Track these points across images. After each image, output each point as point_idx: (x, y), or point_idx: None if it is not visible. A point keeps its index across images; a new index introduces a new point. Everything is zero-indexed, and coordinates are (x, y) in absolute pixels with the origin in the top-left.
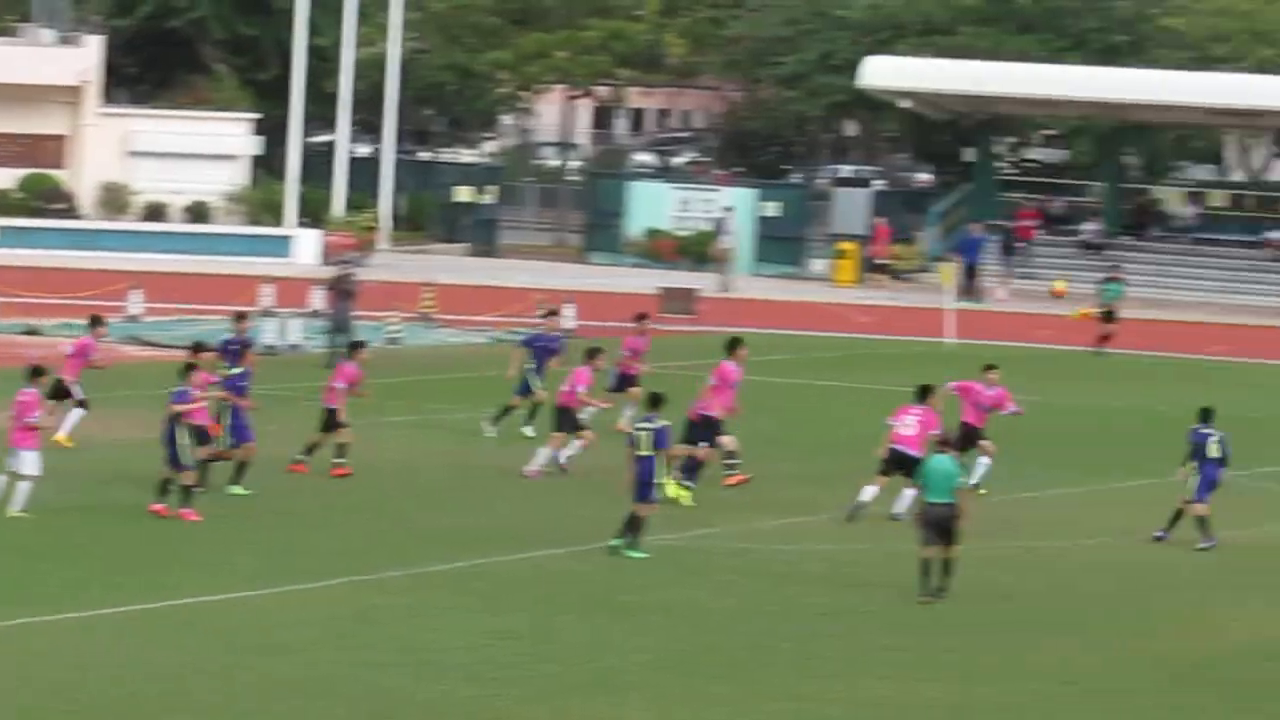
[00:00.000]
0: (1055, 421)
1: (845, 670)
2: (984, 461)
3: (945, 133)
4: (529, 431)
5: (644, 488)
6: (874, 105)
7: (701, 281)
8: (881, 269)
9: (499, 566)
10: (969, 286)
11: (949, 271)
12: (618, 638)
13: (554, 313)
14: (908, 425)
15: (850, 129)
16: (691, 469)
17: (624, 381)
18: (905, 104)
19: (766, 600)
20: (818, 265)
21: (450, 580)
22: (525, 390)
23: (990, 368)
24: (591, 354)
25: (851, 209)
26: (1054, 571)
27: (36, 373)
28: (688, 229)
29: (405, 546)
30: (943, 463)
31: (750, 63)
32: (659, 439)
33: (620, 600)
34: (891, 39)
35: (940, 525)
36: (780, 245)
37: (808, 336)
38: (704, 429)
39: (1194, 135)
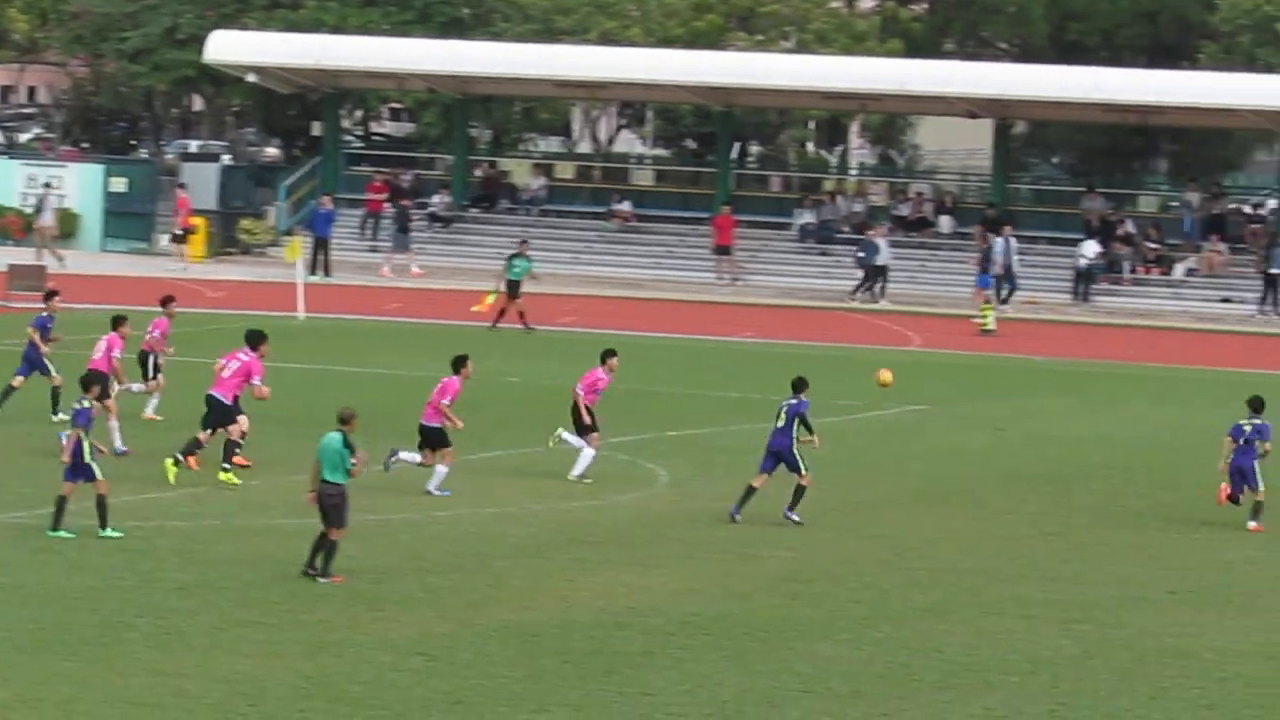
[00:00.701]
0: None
1: (202, 645)
2: None
3: (293, 107)
4: None
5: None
6: (221, 80)
7: (43, 260)
8: (182, 240)
9: None
10: (320, 261)
11: (296, 246)
12: None
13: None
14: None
15: (198, 103)
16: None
17: None
18: (251, 78)
19: (120, 577)
20: (166, 241)
21: None
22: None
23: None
24: None
25: (201, 184)
26: (403, 543)
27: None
28: (34, 205)
29: None
30: (335, 440)
31: (95, 38)
32: None
33: None
34: (238, 13)
35: (324, 506)
36: (129, 221)
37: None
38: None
39: (541, 107)
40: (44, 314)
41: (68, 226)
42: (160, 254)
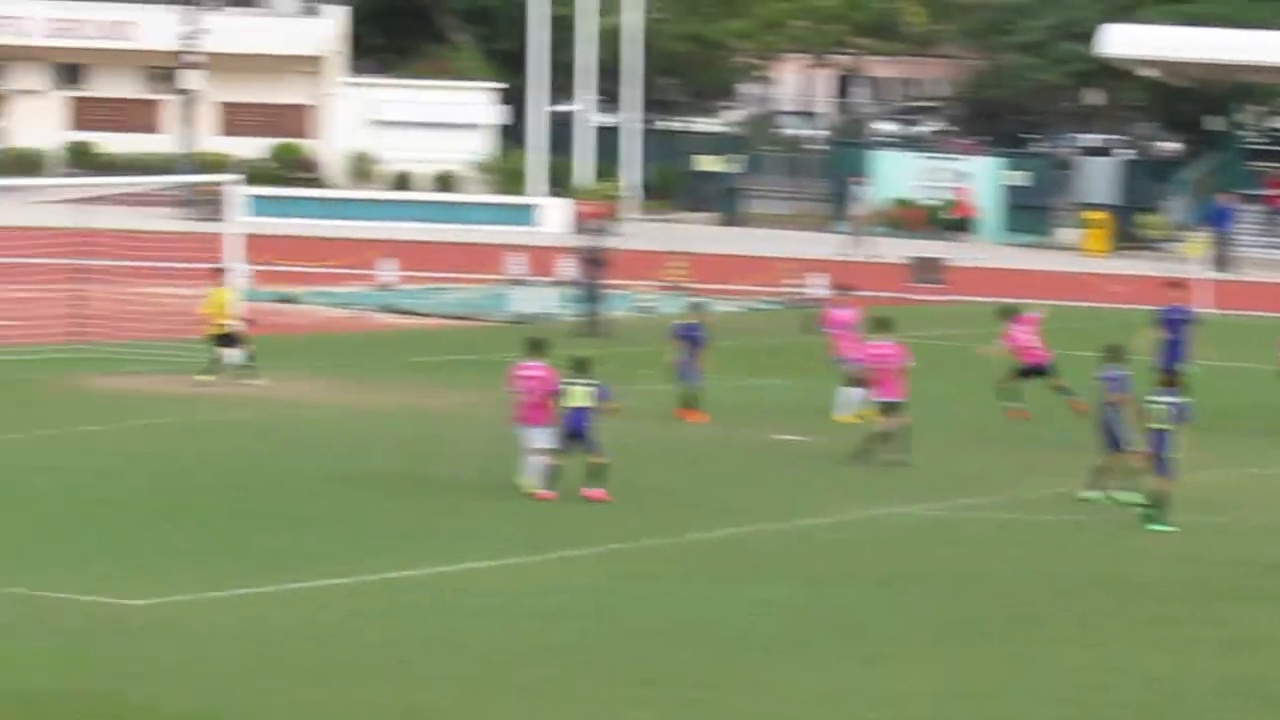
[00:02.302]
0: None
1: (1118, 641)
2: None
3: (1189, 101)
4: None
5: None
6: (1116, 73)
7: (949, 251)
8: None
9: (762, 536)
10: (1221, 257)
11: (1197, 243)
12: (884, 607)
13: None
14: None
15: (1093, 98)
16: None
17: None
18: (1147, 72)
19: (1027, 569)
20: (1065, 235)
21: (714, 550)
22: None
23: None
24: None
25: (1097, 178)
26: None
27: (538, 346)
28: (933, 198)
29: (667, 516)
30: None
31: (989, 31)
32: None
33: (884, 570)
34: (1132, 5)
35: None
36: (1028, 214)
37: (1059, 306)
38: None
39: None
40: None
41: (961, 219)
42: (1058, 247)
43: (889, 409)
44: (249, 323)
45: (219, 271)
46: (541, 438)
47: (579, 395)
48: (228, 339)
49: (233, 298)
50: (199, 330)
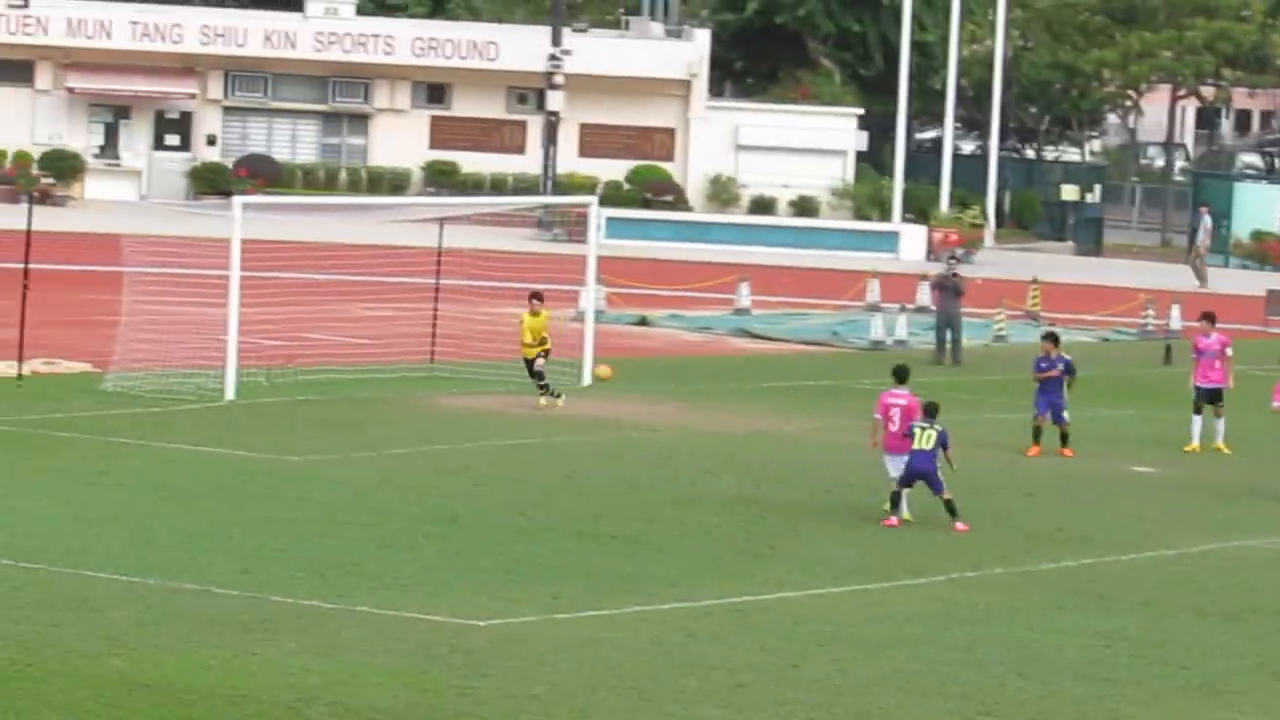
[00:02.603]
0: None
1: None
2: None
3: None
4: None
5: None
6: None
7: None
8: None
9: (1107, 567)
10: None
11: None
12: (1228, 641)
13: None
14: None
15: None
16: None
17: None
18: None
19: None
20: None
21: (1056, 580)
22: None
23: None
24: None
25: None
26: None
27: (903, 373)
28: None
29: (1008, 545)
30: None
31: None
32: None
33: (1230, 604)
34: None
35: None
36: None
37: None
38: None
39: None
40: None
41: None
42: None
43: None
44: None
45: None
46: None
47: (926, 438)
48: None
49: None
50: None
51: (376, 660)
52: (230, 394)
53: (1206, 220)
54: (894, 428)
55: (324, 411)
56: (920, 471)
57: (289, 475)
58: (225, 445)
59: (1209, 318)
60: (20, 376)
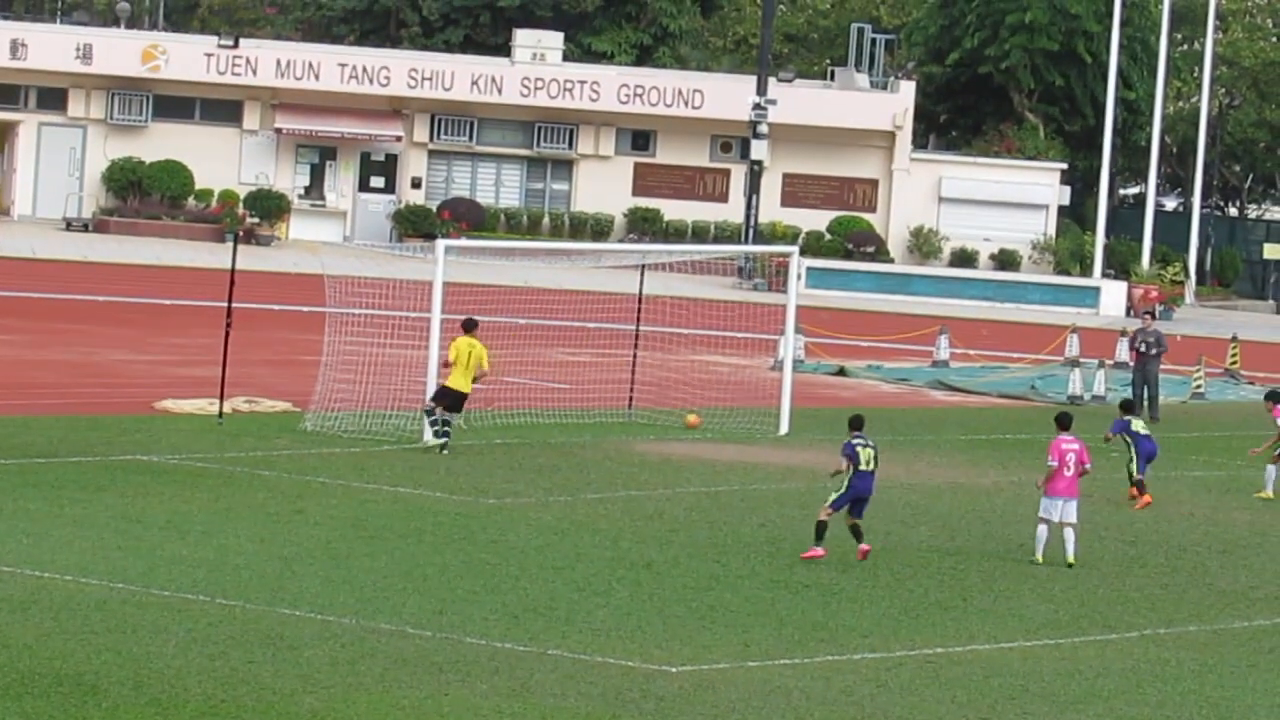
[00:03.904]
0: None
1: None
2: None
3: None
4: None
5: None
6: None
7: None
8: None
9: None
10: None
11: None
12: None
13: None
14: None
15: None
16: None
17: None
18: None
19: None
20: None
21: (1249, 639)
22: None
23: None
24: None
25: None
26: None
27: (1069, 420)
28: None
29: (1202, 602)
30: None
31: None
32: None
33: None
34: None
35: None
36: None
37: None
38: None
39: None
40: None
41: None
42: None
43: None
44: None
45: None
46: (1067, 511)
47: (868, 458)
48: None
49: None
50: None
51: (568, 704)
52: (428, 436)
53: None
54: (1069, 473)
55: (521, 455)
56: (864, 492)
57: (485, 517)
58: (422, 486)
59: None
60: (222, 415)
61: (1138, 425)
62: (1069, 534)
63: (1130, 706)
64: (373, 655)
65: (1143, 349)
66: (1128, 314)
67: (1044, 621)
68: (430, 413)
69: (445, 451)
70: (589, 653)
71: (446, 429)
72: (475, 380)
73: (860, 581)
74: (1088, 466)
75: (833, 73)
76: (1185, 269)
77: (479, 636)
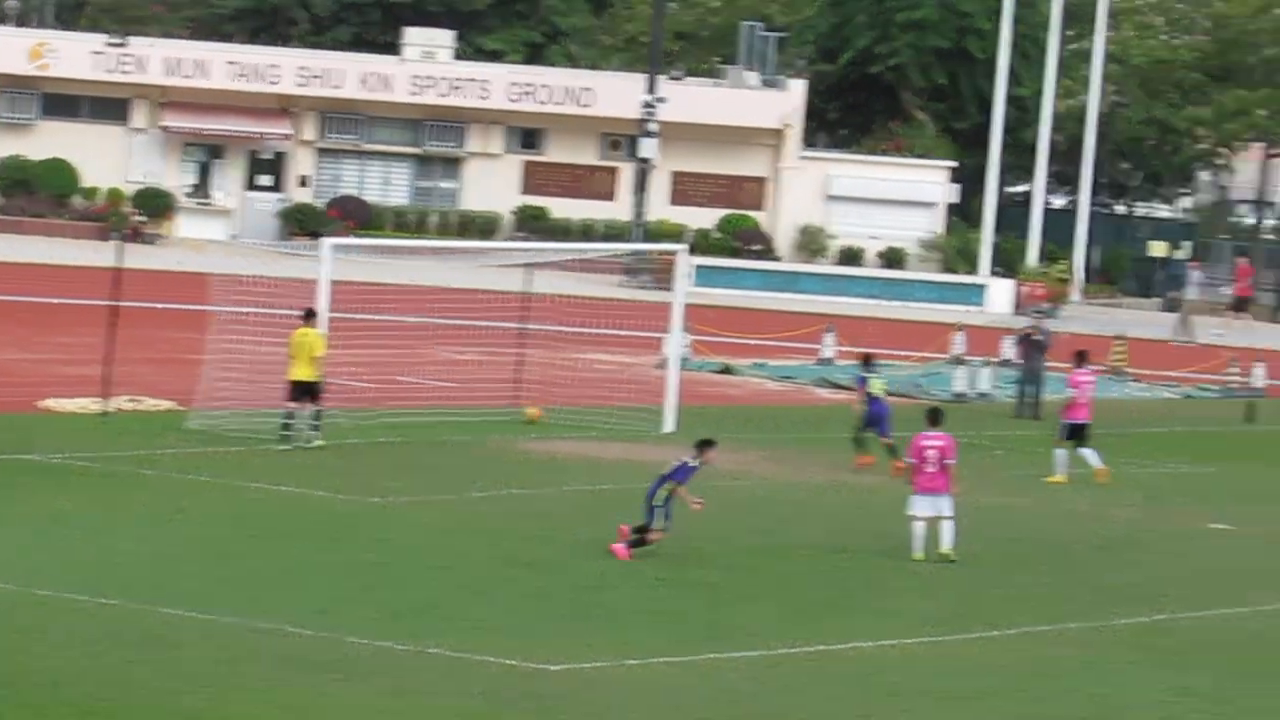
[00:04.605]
0: None
1: None
2: None
3: None
4: None
5: None
6: None
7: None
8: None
9: (1180, 623)
10: None
11: None
12: None
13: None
14: None
15: None
16: None
17: None
18: None
19: None
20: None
21: (1130, 636)
22: None
23: None
24: None
25: None
26: None
27: (937, 416)
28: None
29: (1084, 599)
30: None
31: None
32: None
33: None
34: None
35: None
36: None
37: None
38: None
39: None
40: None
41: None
42: None
43: None
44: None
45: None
46: (938, 505)
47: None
48: (308, 389)
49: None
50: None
51: (448, 702)
52: (300, 437)
53: (1195, 275)
54: (930, 469)
55: (405, 454)
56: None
57: (368, 516)
58: (305, 485)
59: (1081, 356)
60: (105, 413)
61: (876, 387)
62: (944, 527)
63: (1011, 703)
64: (254, 655)
65: (1037, 338)
66: (1016, 312)
67: (927, 619)
68: (289, 415)
69: (290, 447)
70: (470, 651)
71: (289, 430)
72: (312, 369)
73: (745, 580)
74: (949, 461)
75: (724, 71)
76: (1071, 267)
77: (360, 635)
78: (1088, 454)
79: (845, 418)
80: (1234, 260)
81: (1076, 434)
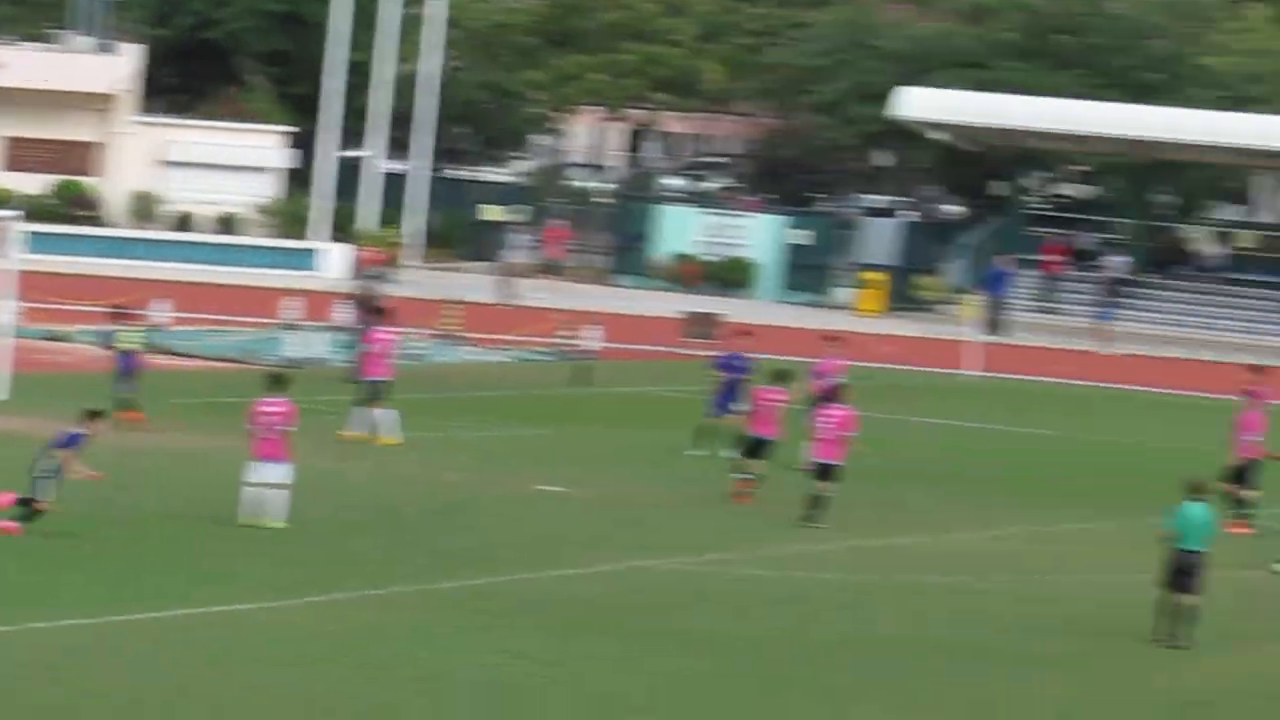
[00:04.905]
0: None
1: (837, 697)
2: None
3: (976, 166)
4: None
5: None
6: (907, 136)
7: (725, 307)
8: (551, 270)
9: (512, 586)
10: (994, 320)
11: (972, 305)
12: (630, 662)
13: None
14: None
15: (882, 159)
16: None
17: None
18: (937, 135)
19: (780, 628)
20: (842, 294)
21: (462, 599)
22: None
23: None
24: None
25: (878, 239)
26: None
27: (278, 381)
28: (714, 254)
29: (417, 562)
30: (1198, 510)
31: (786, 91)
32: None
33: (633, 625)
34: (926, 70)
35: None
36: (807, 273)
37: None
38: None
39: (1225, 175)
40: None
41: (741, 275)
42: (833, 307)
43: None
44: None
45: None
46: (275, 473)
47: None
48: None
49: None
50: None
51: None
52: None
53: (517, 239)
54: (265, 435)
55: None
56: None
57: None
58: None
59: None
60: None
61: (127, 341)
62: (275, 495)
63: (337, 668)
64: None
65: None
66: (351, 277)
67: (261, 584)
68: None
69: None
70: None
71: None
72: None
73: (75, 546)
74: (280, 428)
75: (55, 35)
76: (407, 231)
77: None
78: (382, 415)
79: (178, 384)
80: (547, 223)
81: (376, 392)
